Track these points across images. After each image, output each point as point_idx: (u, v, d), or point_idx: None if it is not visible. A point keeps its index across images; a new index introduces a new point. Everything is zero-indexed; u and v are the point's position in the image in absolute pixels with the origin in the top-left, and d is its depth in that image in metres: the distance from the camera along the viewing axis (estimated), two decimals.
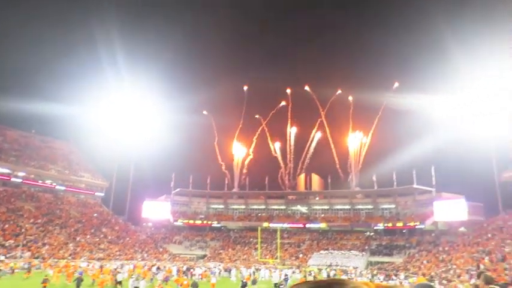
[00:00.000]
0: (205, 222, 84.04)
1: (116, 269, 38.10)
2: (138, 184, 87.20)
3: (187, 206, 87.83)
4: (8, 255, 46.71)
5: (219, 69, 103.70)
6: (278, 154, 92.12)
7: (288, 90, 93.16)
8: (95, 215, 74.46)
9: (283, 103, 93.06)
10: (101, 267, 43.09)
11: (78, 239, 61.41)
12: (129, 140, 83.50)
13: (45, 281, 26.26)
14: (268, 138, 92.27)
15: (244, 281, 32.48)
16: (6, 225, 54.66)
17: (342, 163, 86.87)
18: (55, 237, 58.18)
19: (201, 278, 41.02)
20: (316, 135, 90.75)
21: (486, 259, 42.99)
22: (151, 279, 35.62)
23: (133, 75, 78.87)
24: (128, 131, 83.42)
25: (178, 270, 44.69)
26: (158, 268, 44.68)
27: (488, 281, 5.92)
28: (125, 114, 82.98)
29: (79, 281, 27.17)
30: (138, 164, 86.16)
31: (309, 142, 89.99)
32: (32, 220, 59.95)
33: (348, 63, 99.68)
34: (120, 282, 29.84)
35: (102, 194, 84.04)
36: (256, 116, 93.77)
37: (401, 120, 72.22)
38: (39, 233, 57.19)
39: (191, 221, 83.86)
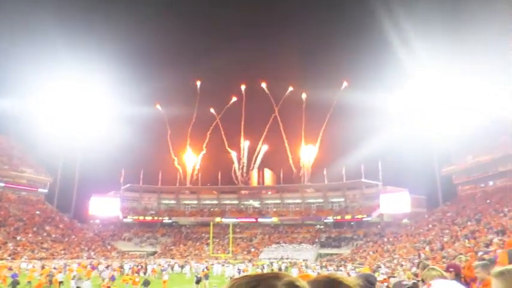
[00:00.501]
0: (156, 218, 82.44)
1: (55, 269, 36.14)
2: (85, 179, 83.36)
3: (138, 201, 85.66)
4: None
5: (171, 61, 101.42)
6: (231, 151, 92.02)
7: (243, 87, 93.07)
8: (38, 212, 70.66)
9: (234, 99, 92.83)
10: (43, 267, 40.83)
11: (18, 238, 58.04)
12: (75, 133, 79.33)
13: None
14: (222, 133, 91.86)
15: (198, 276, 32.15)
16: None
17: (294, 158, 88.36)
18: None
19: (152, 274, 40.40)
20: (269, 129, 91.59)
21: (427, 248, 45.52)
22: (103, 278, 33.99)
23: (78, 65, 74.68)
24: (74, 124, 79.11)
25: (130, 268, 43.40)
26: (108, 266, 42.88)
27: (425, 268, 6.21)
28: (70, 106, 78.57)
29: (14, 284, 25.10)
30: (85, 159, 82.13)
31: (263, 137, 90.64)
32: None
33: (302, 61, 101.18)
34: (61, 283, 28.36)
35: (46, 191, 79.68)
36: (211, 110, 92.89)
37: (351, 117, 74.63)
38: None
39: (141, 217, 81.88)
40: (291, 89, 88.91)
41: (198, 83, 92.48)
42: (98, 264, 46.15)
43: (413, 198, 67.52)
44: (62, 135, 77.66)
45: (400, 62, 62.00)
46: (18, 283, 25.25)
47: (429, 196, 72.46)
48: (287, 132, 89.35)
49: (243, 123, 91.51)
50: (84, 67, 74.91)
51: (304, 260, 60.55)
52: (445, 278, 5.36)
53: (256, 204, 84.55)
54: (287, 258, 62.34)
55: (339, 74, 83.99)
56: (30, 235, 60.45)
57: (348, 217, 74.85)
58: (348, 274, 33.64)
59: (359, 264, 51.09)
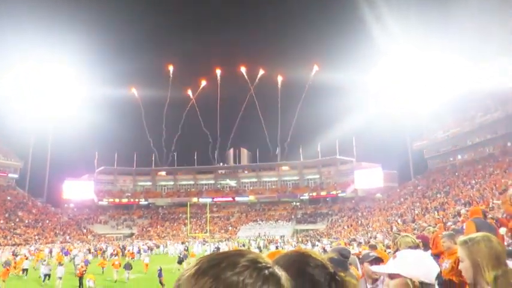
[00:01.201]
0: (132, 200, 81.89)
1: (20, 255, 34.16)
2: (57, 163, 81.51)
3: (113, 184, 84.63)
4: None
5: (144, 42, 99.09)
6: (206, 130, 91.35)
7: (218, 71, 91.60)
8: (9, 198, 68.78)
9: (204, 83, 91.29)
10: (14, 254, 39.16)
11: None
12: (46, 116, 76.56)
13: None
14: (198, 114, 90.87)
15: (181, 256, 32.08)
16: None
17: (271, 137, 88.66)
18: None
19: (131, 258, 37.80)
20: (245, 109, 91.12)
21: (399, 221, 47.12)
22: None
23: (49, 46, 71.59)
24: (45, 106, 76.28)
25: (114, 250, 42.39)
26: (80, 251, 40.70)
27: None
28: (40, 87, 75.55)
29: None
30: (57, 142, 79.75)
31: (238, 117, 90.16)
32: None
33: (275, 43, 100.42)
34: (25, 270, 27.06)
35: (16, 176, 77.44)
36: (189, 92, 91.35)
37: (326, 96, 75.37)
38: None
39: (117, 200, 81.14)
40: (262, 72, 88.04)
41: (171, 67, 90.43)
42: (72, 249, 44.42)
43: (386, 173, 69.38)
44: (33, 118, 74.85)
45: (373, 41, 62.60)
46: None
47: (401, 171, 74.70)
48: (263, 112, 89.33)
49: (218, 103, 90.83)
50: (55, 48, 71.99)
51: (281, 237, 61.72)
52: (416, 245, 5.58)
53: (232, 183, 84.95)
54: (264, 235, 63.35)
55: (312, 54, 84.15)
56: (1, 221, 58.95)
57: (323, 193, 76.34)
58: (324, 249, 34.52)
59: (334, 238, 52.47)
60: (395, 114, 67.10)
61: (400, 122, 68.87)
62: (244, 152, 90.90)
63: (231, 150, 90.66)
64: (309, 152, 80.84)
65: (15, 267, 26.67)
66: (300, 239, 57.64)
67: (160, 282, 20.85)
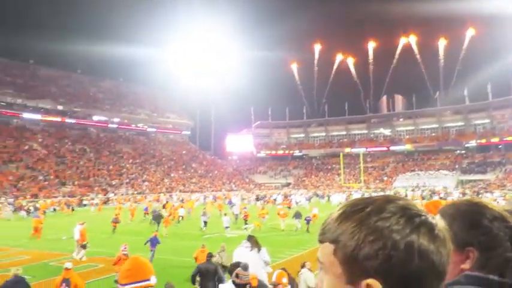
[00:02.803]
0: (287, 152, 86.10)
1: (178, 203, 36.51)
2: (220, 120, 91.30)
3: (269, 137, 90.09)
4: (115, 192, 52.79)
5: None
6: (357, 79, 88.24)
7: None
8: (184, 152, 79.86)
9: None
10: (182, 200, 43.48)
11: (172, 175, 66.93)
12: (207, 78, 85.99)
13: (115, 221, 22.85)
14: (349, 63, 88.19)
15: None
16: (111, 167, 61.16)
17: (430, 80, 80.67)
18: (152, 174, 64.03)
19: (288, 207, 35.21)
20: (401, 53, 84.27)
21: None
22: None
23: (207, 14, 79.36)
24: (205, 69, 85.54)
25: (284, 199, 43.19)
26: (231, 203, 38.80)
27: None
28: (199, 53, 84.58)
29: (157, 217, 24.31)
30: (219, 101, 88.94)
31: (395, 60, 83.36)
32: (131, 161, 66.22)
33: None
34: (181, 217, 28.06)
35: (189, 133, 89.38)
36: (339, 54, 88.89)
37: (496, 27, 63.95)
38: (138, 172, 63.26)
39: (273, 152, 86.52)
40: None
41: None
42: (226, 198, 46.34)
43: None
44: (197, 81, 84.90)
45: None
46: (161, 216, 24.13)
47: None
48: (421, 52, 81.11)
49: (371, 50, 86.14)
50: (215, 18, 79.42)
51: (444, 187, 57.27)
52: None
53: (387, 132, 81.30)
54: (423, 186, 59.70)
55: None
56: (180, 172, 69.22)
57: (494, 140, 67.11)
58: (496, 202, 30.83)
59: (509, 190, 46.30)
60: None
61: None
62: (399, 99, 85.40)
63: (384, 98, 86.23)
64: (475, 94, 71.29)
65: (173, 215, 27.66)
66: (466, 191, 52.60)
67: None
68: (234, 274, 4.05)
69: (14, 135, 58.34)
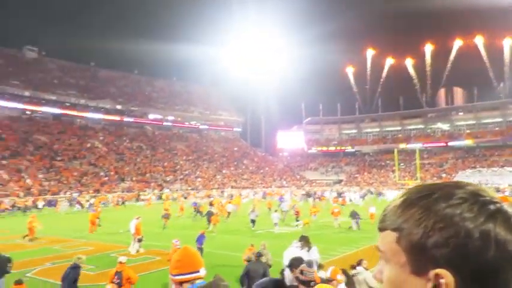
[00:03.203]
0: (338, 148, 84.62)
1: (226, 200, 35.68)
2: (270, 117, 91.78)
3: (319, 133, 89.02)
4: (170, 188, 54.68)
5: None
6: (412, 71, 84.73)
7: None
8: (236, 149, 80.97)
9: None
10: (231, 197, 42.77)
11: (224, 171, 68.14)
12: (257, 75, 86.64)
13: (166, 216, 23.22)
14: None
15: None
16: (166, 163, 63.41)
17: (493, 69, 75.59)
18: (205, 171, 65.57)
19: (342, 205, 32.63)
20: (457, 43, 79.77)
21: None
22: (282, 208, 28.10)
23: (259, 12, 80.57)
24: (256, 67, 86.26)
25: (337, 196, 41.21)
26: (285, 197, 39.35)
27: None
28: (251, 50, 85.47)
29: (209, 214, 23.58)
30: (269, 98, 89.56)
31: (454, 49, 78.73)
32: (184, 157, 68.24)
33: None
34: (229, 213, 27.86)
35: (240, 129, 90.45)
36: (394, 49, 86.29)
37: None
38: (192, 168, 65.05)
39: (324, 148, 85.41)
40: None
41: None
42: (283, 194, 45.35)
43: None
44: (247, 78, 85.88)
45: None
46: (212, 214, 23.52)
47: None
48: (483, 43, 76.04)
49: (428, 44, 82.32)
50: (265, 18, 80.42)
51: (509, 185, 53.59)
52: None
53: (445, 127, 77.41)
54: (486, 184, 56.20)
55: None
56: (232, 168, 70.29)
57: None
58: None
59: None
60: None
61: None
62: (458, 92, 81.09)
63: (442, 91, 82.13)
64: None
65: (221, 212, 27.51)
66: None
67: None
68: (298, 270, 4.04)
69: (78, 133, 62.24)
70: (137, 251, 15.67)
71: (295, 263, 4.36)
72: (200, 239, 14.31)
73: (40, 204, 36.98)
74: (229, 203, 31.17)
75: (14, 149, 49.71)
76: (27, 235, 18.85)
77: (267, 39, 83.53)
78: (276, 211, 23.45)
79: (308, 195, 47.87)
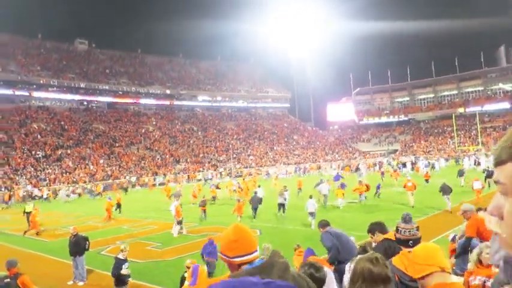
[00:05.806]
0: (391, 117, 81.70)
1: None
2: (318, 90, 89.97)
3: (370, 103, 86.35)
4: (225, 167, 55.75)
5: None
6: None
7: None
8: (285, 125, 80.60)
9: None
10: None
11: (275, 148, 68.25)
12: (302, 48, 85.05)
13: (202, 204, 19.28)
14: None
15: (489, 169, 24.16)
16: (218, 143, 64.53)
17: None
18: (256, 149, 66.03)
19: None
20: None
21: None
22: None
23: None
24: (300, 41, 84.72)
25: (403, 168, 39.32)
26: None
27: None
28: (294, 24, 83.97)
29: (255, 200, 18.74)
30: (315, 70, 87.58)
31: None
32: (235, 136, 69.03)
33: None
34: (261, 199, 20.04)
35: (288, 105, 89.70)
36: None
37: None
38: (243, 147, 65.74)
39: (376, 118, 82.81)
40: None
41: None
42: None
43: None
44: (291, 53, 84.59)
45: None
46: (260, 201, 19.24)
47: None
48: None
49: None
50: None
51: None
52: None
53: (507, 87, 72.05)
54: None
55: None
56: (283, 144, 70.22)
57: None
58: None
59: None
60: None
61: None
62: None
63: (502, 48, 76.10)
64: None
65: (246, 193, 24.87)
66: None
67: None
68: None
69: (132, 120, 64.84)
70: (179, 233, 15.53)
71: (375, 228, 4.18)
72: (206, 249, 9.62)
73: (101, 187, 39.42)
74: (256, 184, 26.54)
75: (76, 139, 52.88)
76: (32, 229, 17.70)
77: (310, 11, 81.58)
78: (311, 197, 16.20)
79: (357, 168, 42.73)
